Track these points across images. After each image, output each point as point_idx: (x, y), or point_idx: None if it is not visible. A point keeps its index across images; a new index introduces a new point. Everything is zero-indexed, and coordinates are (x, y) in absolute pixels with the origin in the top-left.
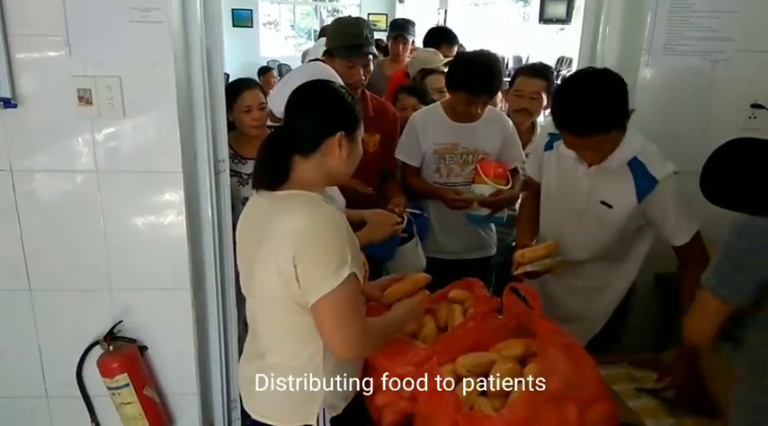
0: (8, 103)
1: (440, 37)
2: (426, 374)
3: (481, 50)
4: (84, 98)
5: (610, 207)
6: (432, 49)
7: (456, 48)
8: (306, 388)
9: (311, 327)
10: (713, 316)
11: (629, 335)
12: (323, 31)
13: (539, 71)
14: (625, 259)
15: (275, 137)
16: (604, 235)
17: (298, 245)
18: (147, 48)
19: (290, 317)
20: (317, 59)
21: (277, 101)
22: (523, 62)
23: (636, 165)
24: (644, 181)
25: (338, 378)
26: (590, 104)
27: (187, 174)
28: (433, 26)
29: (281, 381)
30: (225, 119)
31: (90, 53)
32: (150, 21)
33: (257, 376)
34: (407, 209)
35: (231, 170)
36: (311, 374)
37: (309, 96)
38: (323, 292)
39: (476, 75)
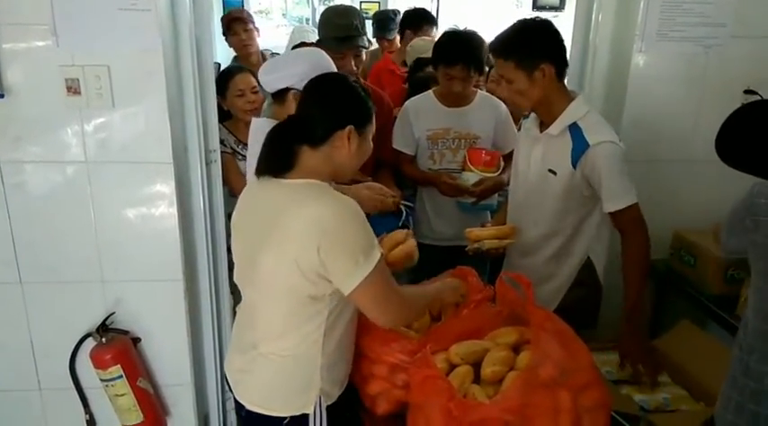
0: None
1: (420, 18)
2: (420, 362)
3: (464, 29)
4: (73, 88)
5: (555, 174)
6: (428, 38)
7: (435, 29)
8: (303, 376)
9: (314, 317)
10: None
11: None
12: None
13: None
14: (574, 237)
15: (285, 125)
16: (552, 204)
17: (322, 236)
18: (135, 37)
19: (295, 308)
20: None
21: (272, 77)
22: None
23: (574, 130)
24: (579, 145)
25: (334, 366)
26: (509, 30)
27: (177, 165)
28: (410, 8)
29: (279, 370)
30: (215, 108)
31: (77, 42)
32: (138, 8)
33: (253, 365)
34: (403, 203)
35: (238, 154)
36: (309, 362)
37: (324, 88)
38: (359, 280)
39: (449, 45)
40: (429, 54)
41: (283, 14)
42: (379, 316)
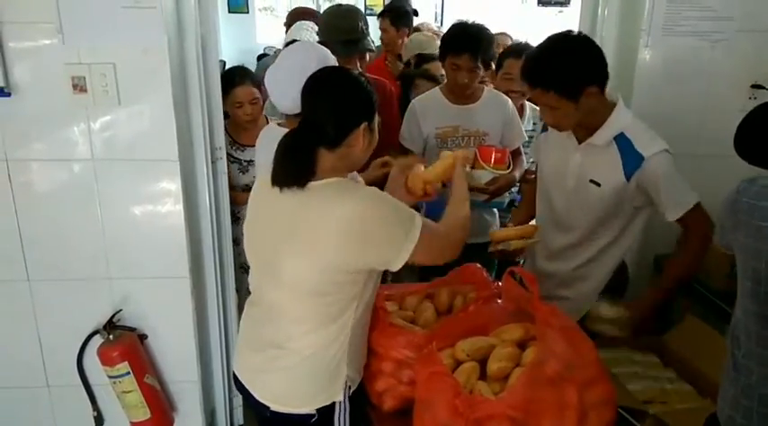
0: (1, 92)
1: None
2: (425, 359)
3: (472, 22)
4: (79, 86)
5: (598, 185)
6: (429, 33)
7: (408, 22)
8: (332, 367)
9: (345, 310)
10: None
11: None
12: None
13: (526, 51)
14: (613, 244)
15: (299, 133)
16: (593, 214)
17: (359, 233)
18: (140, 35)
19: (327, 305)
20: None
21: (284, 99)
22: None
23: (622, 142)
24: (631, 158)
25: (357, 352)
26: (546, 56)
27: (183, 162)
28: (390, 3)
29: (308, 365)
30: (221, 106)
31: (83, 40)
32: (142, 6)
33: (275, 363)
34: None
35: (230, 156)
36: (337, 352)
37: (332, 89)
38: (407, 254)
39: (457, 35)
40: (430, 50)
41: (288, 11)
42: (436, 261)
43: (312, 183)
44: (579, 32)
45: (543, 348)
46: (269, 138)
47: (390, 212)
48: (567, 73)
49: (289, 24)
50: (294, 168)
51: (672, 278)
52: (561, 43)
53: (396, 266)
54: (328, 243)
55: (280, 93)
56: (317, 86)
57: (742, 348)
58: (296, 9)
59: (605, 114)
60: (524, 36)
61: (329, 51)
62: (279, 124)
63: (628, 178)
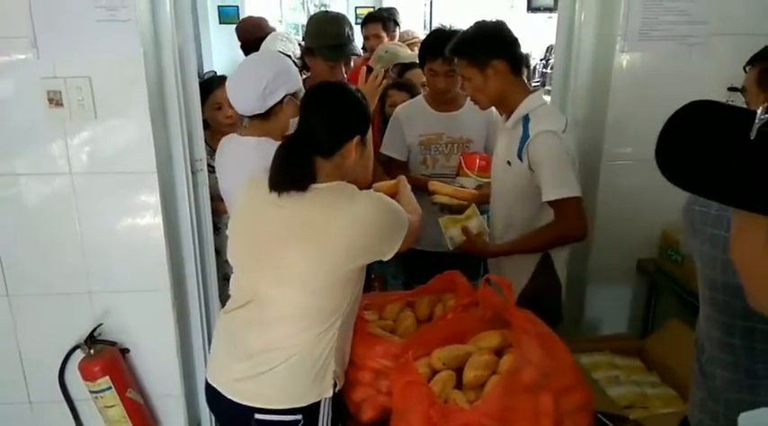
0: None
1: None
2: (401, 368)
3: (449, 27)
4: (55, 100)
5: (509, 165)
6: (398, 43)
7: (396, 30)
8: (322, 363)
9: (340, 305)
10: None
11: (611, 321)
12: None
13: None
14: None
15: (294, 140)
16: (510, 195)
17: (370, 231)
18: (116, 47)
19: (327, 301)
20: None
21: (243, 98)
22: None
23: (525, 122)
24: (524, 136)
25: (342, 347)
26: (463, 31)
27: (162, 174)
28: (380, 10)
29: (301, 361)
30: (200, 117)
31: (58, 54)
32: (117, 19)
33: (264, 366)
34: None
35: (210, 166)
36: (326, 347)
37: (329, 102)
38: (399, 244)
39: (433, 41)
40: (405, 59)
41: (279, 21)
42: (404, 248)
43: (314, 186)
44: (496, 19)
45: (519, 355)
46: (239, 149)
47: (390, 213)
48: (474, 41)
49: (245, 41)
50: (294, 174)
51: (520, 246)
52: (476, 23)
53: (388, 257)
54: (338, 240)
55: (237, 95)
56: (316, 98)
57: (705, 353)
58: (247, 20)
59: (521, 99)
60: None
61: (290, 61)
62: (239, 133)
63: (519, 156)
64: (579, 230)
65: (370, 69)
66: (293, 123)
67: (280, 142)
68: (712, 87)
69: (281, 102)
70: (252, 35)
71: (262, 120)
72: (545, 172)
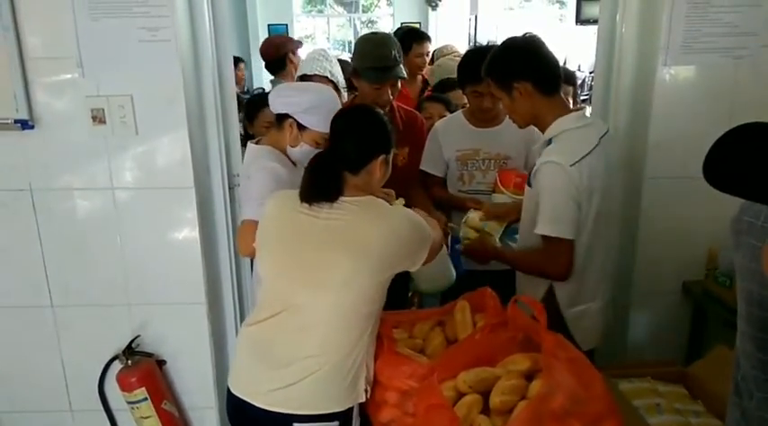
0: (26, 125)
1: (409, 37)
2: (425, 390)
3: (488, 43)
4: (98, 117)
5: (530, 187)
6: (454, 57)
7: (428, 45)
8: (356, 370)
9: (373, 312)
10: None
11: (655, 346)
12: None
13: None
14: None
15: (326, 156)
16: (527, 217)
17: (403, 242)
18: (157, 67)
19: (359, 307)
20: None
21: (278, 100)
22: (561, 64)
23: (547, 146)
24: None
25: (370, 355)
26: (493, 50)
27: (200, 189)
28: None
29: (338, 368)
30: (238, 133)
31: (102, 73)
32: (158, 39)
33: (302, 374)
34: (450, 224)
35: None
36: (359, 357)
37: (357, 123)
38: (425, 257)
39: (474, 63)
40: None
41: (327, 38)
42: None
43: (342, 198)
44: (529, 34)
45: (549, 380)
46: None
47: (421, 228)
48: (497, 63)
49: (267, 60)
50: (324, 185)
51: (514, 259)
52: (504, 42)
53: (414, 269)
54: (377, 248)
55: (278, 90)
56: (346, 119)
57: (740, 369)
58: (267, 41)
59: (551, 121)
60: (564, 54)
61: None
62: (256, 142)
63: (530, 183)
64: (559, 272)
65: (426, 82)
66: (300, 151)
67: (277, 152)
68: (761, 102)
69: (287, 117)
70: (272, 56)
71: (275, 128)
72: (542, 203)
